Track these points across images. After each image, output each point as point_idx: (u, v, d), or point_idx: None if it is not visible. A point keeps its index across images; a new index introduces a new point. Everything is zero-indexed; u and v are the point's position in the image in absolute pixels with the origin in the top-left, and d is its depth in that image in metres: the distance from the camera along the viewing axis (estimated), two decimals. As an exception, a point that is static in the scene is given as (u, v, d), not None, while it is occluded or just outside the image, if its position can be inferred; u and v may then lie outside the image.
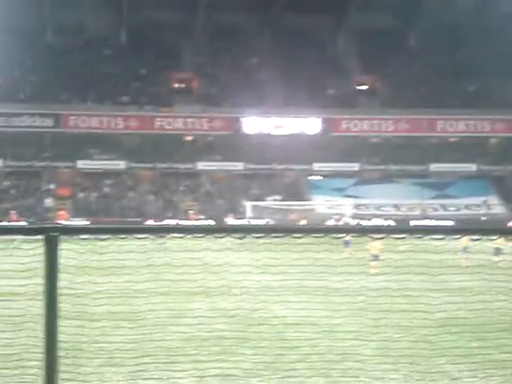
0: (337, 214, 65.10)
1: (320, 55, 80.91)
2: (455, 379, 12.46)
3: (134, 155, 75.41)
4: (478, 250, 37.16)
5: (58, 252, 5.36)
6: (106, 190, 74.92)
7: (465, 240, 38.69)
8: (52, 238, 5.40)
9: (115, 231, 6.41)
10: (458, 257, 34.71)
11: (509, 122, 78.40)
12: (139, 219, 62.79)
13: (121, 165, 75.53)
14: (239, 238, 5.97)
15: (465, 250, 36.61)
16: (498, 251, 36.79)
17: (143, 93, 78.80)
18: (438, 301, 20.06)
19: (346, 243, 37.62)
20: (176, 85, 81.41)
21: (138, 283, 19.46)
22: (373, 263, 31.52)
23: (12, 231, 6.53)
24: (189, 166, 76.34)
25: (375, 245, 32.68)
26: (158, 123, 77.91)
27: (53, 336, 5.43)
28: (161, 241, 45.71)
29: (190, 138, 79.57)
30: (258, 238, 5.45)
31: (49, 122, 75.70)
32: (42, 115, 75.26)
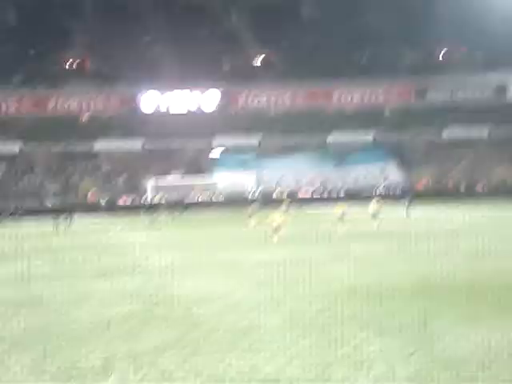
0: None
1: (215, 31, 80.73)
2: (361, 344, 12.65)
3: (28, 137, 73.67)
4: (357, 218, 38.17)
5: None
6: (1, 174, 73.04)
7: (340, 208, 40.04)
8: None
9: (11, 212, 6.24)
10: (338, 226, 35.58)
11: (402, 89, 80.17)
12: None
13: (15, 148, 73.71)
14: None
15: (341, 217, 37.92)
16: (375, 215, 38.39)
17: (36, 73, 76.89)
18: (339, 269, 20.42)
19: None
20: (68, 64, 79.78)
21: (40, 266, 19.13)
22: (275, 235, 31.81)
23: None
24: (86, 146, 75.09)
25: (276, 217, 33.14)
26: (51, 103, 76.26)
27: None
28: (68, 222, 45.24)
29: (85, 118, 78.25)
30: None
31: None
32: None
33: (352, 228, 34.78)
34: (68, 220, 45.60)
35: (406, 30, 77.02)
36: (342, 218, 37.29)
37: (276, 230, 31.69)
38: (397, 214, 44.05)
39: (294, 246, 23.68)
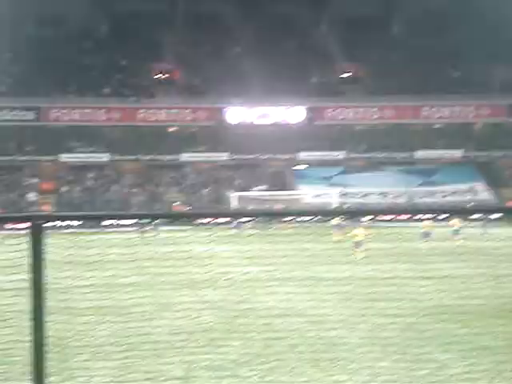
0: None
1: (303, 44, 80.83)
2: (443, 366, 12.43)
3: (116, 148, 75.05)
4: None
5: (44, 241, 5.29)
6: (90, 183, 74.58)
7: (428, 224, 39.85)
8: (37, 226, 5.32)
9: (98, 218, 6.39)
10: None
11: (493, 106, 78.55)
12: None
13: (104, 157, 75.19)
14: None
15: (426, 235, 37.74)
16: (456, 232, 38.02)
17: (125, 84, 78.38)
18: (424, 288, 20.09)
19: (339, 226, 38.34)
20: (158, 76, 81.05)
21: (124, 277, 19.38)
22: (357, 250, 31.57)
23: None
24: (173, 157, 76.08)
25: (358, 232, 33.13)
26: (140, 115, 77.55)
27: (39, 330, 5.35)
28: (153, 233, 45.88)
29: (173, 129, 79.30)
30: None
31: (30, 115, 75.15)
32: (22, 108, 74.72)
33: (437, 246, 34.23)
34: (154, 230, 46.11)
35: (497, 46, 75.56)
36: (427, 236, 36.92)
37: (357, 245, 31.48)
38: (485, 234, 43.21)
39: (378, 262, 23.46)
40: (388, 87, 75.95)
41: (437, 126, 79.88)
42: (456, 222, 40.25)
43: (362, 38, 78.29)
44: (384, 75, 77.29)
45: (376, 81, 78.48)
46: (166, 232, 47.60)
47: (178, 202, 68.73)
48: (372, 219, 49.50)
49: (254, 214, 8.28)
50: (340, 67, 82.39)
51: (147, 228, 46.77)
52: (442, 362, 12.54)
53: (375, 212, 10.32)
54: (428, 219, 40.27)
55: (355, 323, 15.27)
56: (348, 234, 33.19)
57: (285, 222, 54.58)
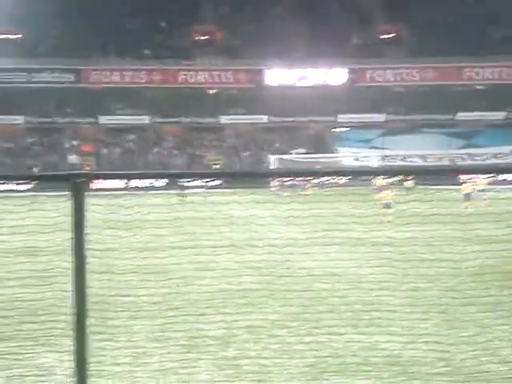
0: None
1: (344, 5, 79.92)
2: (486, 327, 12.34)
3: (157, 110, 75.27)
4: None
5: (84, 200, 5.28)
6: (130, 145, 75.02)
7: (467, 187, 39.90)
8: (78, 184, 5.32)
9: (139, 176, 6.38)
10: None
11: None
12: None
13: (144, 120, 75.50)
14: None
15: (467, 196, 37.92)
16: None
17: (165, 46, 78.35)
18: (466, 250, 19.91)
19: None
20: (198, 38, 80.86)
21: (164, 237, 19.52)
22: (387, 212, 31.62)
23: (39, 178, 6.48)
24: (212, 119, 76.12)
25: (386, 193, 33.49)
26: (180, 77, 77.59)
27: (81, 290, 5.38)
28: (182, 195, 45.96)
29: (213, 92, 79.22)
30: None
31: (70, 77, 75.63)
32: (62, 70, 75.16)
33: (479, 208, 33.95)
34: (200, 189, 46.22)
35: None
36: (469, 198, 36.83)
37: (387, 206, 31.59)
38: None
39: (418, 224, 23.31)
40: (429, 48, 74.96)
41: (478, 87, 78.68)
42: (469, 186, 40.31)
43: (403, -1, 77.18)
44: (425, 36, 76.26)
45: (417, 42, 77.50)
46: (206, 194, 47.77)
47: (217, 166, 68.89)
48: (412, 179, 49.28)
49: (294, 174, 8.20)
50: (381, 28, 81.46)
51: (187, 191, 46.98)
52: (484, 324, 12.44)
53: (415, 172, 10.22)
54: (469, 181, 40.20)
55: (395, 285, 15.20)
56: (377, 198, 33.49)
57: (326, 183, 54.54)
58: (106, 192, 38.19)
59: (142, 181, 61.78)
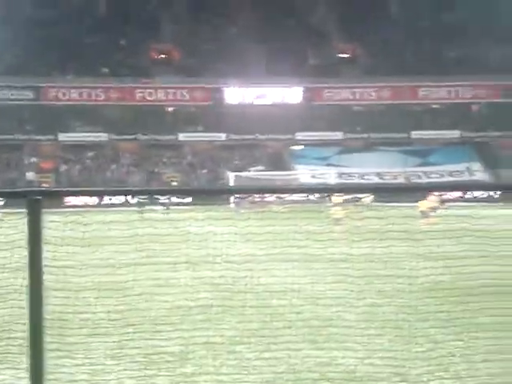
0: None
1: (300, 24, 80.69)
2: (439, 343, 12.57)
3: (114, 127, 75.07)
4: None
5: (41, 217, 5.31)
6: (89, 162, 74.64)
7: (426, 204, 40.73)
8: (35, 201, 5.36)
9: (97, 193, 6.44)
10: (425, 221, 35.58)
11: (491, 87, 78.48)
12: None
13: (102, 137, 75.23)
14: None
15: (425, 214, 38.71)
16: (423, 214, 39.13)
17: (123, 65, 78.29)
18: (420, 267, 20.18)
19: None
20: (156, 56, 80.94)
21: (123, 254, 19.41)
22: (337, 228, 32.04)
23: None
24: (171, 137, 76.10)
25: (336, 210, 34.19)
26: (138, 94, 77.55)
27: (37, 307, 5.41)
28: (166, 210, 46.11)
29: (171, 109, 79.25)
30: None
31: (29, 94, 75.17)
32: (21, 88, 74.68)
33: (435, 225, 34.36)
34: (165, 208, 46.42)
35: (495, 26, 75.42)
36: (427, 214, 37.47)
37: (337, 222, 32.02)
38: (484, 214, 43.53)
39: (374, 241, 23.63)
40: (385, 67, 76.02)
41: (434, 106, 79.90)
42: (425, 203, 41.19)
43: (360, 18, 78.20)
44: (381, 55, 77.34)
45: (373, 61, 78.51)
46: (165, 211, 47.67)
47: (175, 183, 68.80)
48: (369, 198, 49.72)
49: (250, 191, 8.34)
50: (338, 47, 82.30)
51: (145, 207, 46.94)
52: (437, 339, 12.67)
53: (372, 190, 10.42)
54: (426, 199, 40.83)
55: (352, 301, 15.36)
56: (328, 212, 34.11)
57: (280, 200, 54.74)
58: (64, 209, 37.80)
59: (101, 197, 61.42)
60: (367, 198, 48.45)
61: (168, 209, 46.27)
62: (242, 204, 52.06)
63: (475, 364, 11.34)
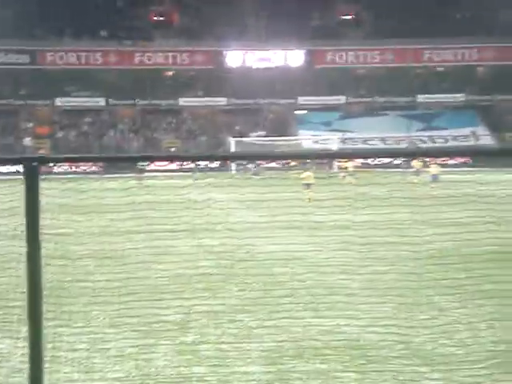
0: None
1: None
2: (444, 310, 12.42)
3: (113, 92, 74.54)
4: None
5: (38, 184, 5.15)
6: (86, 127, 74.26)
7: (435, 169, 41.09)
8: (32, 167, 5.20)
9: (93, 159, 6.26)
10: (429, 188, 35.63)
11: (497, 49, 77.57)
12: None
13: (100, 102, 74.73)
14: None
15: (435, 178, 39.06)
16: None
17: (122, 27, 77.49)
18: (425, 233, 20.02)
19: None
20: (155, 18, 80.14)
21: (121, 222, 19.28)
22: (306, 192, 32.20)
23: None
24: (170, 102, 75.61)
25: (306, 175, 34.71)
26: (137, 58, 76.89)
27: (35, 276, 5.26)
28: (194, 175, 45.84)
29: (170, 73, 78.66)
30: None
31: (25, 58, 74.54)
32: (17, 51, 74.00)
33: (439, 191, 34.24)
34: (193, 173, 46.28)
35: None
36: (436, 179, 37.80)
37: (308, 187, 32.31)
38: (490, 179, 43.42)
39: (378, 207, 23.42)
40: (389, 30, 75.20)
41: (439, 69, 79.17)
42: (434, 168, 41.71)
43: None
44: (385, 17, 76.45)
45: (377, 23, 77.65)
46: (161, 178, 47.50)
47: (174, 149, 68.53)
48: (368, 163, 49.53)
49: (251, 157, 8.09)
50: (340, 9, 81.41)
51: (145, 174, 46.70)
52: (442, 307, 12.53)
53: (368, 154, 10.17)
54: (434, 163, 41.22)
55: (355, 269, 15.20)
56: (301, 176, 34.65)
57: (285, 166, 54.49)
58: (61, 176, 37.68)
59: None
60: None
61: (196, 173, 45.80)
62: (258, 170, 51.65)
63: (480, 332, 11.22)
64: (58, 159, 8.89)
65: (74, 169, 57.79)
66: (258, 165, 52.36)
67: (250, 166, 53.62)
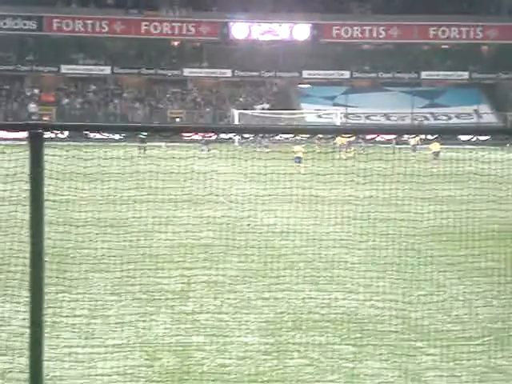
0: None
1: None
2: (442, 287, 12.51)
3: (119, 60, 74.26)
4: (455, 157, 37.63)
5: (43, 151, 5.19)
6: (91, 95, 74.05)
7: (436, 145, 41.03)
8: (36, 135, 5.23)
9: (98, 128, 6.32)
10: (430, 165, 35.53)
11: (502, 28, 77.11)
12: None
13: (105, 70, 74.44)
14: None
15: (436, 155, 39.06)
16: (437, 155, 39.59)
17: (134, -4, 76.99)
18: (425, 210, 20.08)
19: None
20: (162, -13, 79.61)
21: (124, 190, 19.33)
22: (298, 165, 32.43)
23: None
24: (175, 72, 75.34)
25: (298, 148, 34.89)
26: (143, 27, 76.49)
27: (38, 241, 5.32)
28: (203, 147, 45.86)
29: (176, 44, 78.32)
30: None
31: (32, 24, 74.12)
32: (24, 17, 73.60)
33: (441, 168, 34.22)
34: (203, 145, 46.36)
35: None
36: (436, 157, 37.72)
37: (298, 159, 32.63)
38: (491, 157, 43.30)
39: (380, 184, 23.52)
40: (396, 6, 74.73)
41: (444, 46, 78.73)
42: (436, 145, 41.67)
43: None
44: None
45: (384, -1, 77.09)
46: (164, 148, 47.45)
47: (179, 119, 68.40)
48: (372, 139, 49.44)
49: (255, 131, 8.14)
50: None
51: (148, 143, 46.58)
52: (439, 283, 12.61)
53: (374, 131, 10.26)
54: (435, 140, 41.12)
55: (354, 243, 15.30)
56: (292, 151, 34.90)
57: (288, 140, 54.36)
58: (66, 143, 37.61)
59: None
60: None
61: (207, 145, 45.97)
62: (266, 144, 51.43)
63: (477, 308, 11.31)
64: (63, 126, 8.89)
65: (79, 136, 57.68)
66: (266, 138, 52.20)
67: (259, 139, 53.53)
